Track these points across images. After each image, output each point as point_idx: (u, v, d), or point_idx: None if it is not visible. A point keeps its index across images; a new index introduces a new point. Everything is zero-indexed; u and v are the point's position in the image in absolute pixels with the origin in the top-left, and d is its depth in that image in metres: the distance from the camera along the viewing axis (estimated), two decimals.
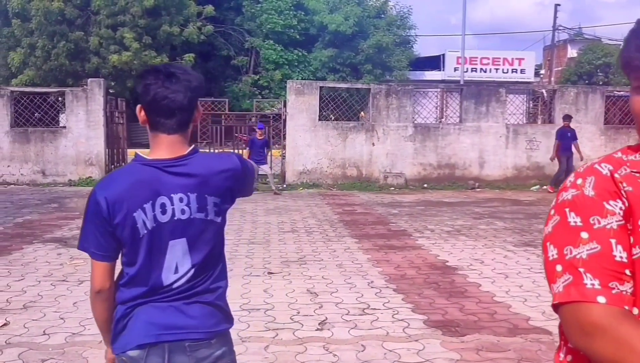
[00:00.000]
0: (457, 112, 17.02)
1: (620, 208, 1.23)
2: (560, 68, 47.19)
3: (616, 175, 1.27)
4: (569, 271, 1.22)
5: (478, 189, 15.94)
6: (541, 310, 5.62)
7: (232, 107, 25.36)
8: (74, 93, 16.15)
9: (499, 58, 37.88)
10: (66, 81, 24.54)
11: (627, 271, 1.21)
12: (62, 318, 5.31)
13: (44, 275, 6.78)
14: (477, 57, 37.46)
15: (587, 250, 1.21)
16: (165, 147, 2.08)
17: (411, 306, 5.79)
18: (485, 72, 37.31)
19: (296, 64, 30.27)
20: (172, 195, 2.05)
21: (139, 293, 2.08)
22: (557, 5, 40.98)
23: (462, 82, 26.75)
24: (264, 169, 14.52)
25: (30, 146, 15.93)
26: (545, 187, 15.93)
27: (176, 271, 2.08)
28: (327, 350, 4.66)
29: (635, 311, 1.21)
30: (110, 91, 16.97)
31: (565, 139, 15.04)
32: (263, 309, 5.55)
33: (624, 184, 1.26)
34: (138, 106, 2.09)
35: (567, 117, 15.38)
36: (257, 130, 14.68)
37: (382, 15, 32.38)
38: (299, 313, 5.52)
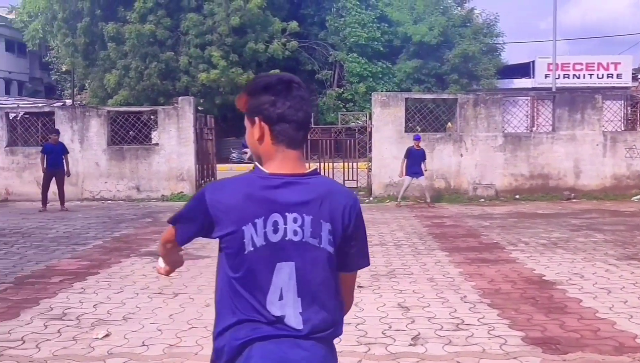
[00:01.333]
0: (549, 121, 16.44)
1: None
2: None
3: None
4: None
5: (574, 200, 15.31)
6: None
7: (316, 121, 25.62)
8: (165, 111, 16.75)
9: (593, 63, 36.30)
10: (158, 99, 25.59)
11: None
12: (159, 330, 5.44)
13: (141, 288, 6.97)
14: (569, 63, 36.06)
15: None
16: (287, 162, 1.99)
17: (508, 322, 5.56)
18: (578, 78, 35.87)
19: (380, 76, 30.26)
20: (286, 214, 1.94)
21: (248, 325, 1.95)
22: None
23: (554, 89, 25.87)
24: (420, 181, 14.34)
25: (125, 163, 16.60)
26: None
27: (281, 297, 1.95)
28: None
29: None
30: (199, 108, 17.50)
31: None
32: (354, 323, 5.49)
33: None
34: (256, 119, 2.00)
35: None
36: (414, 141, 14.44)
37: (468, 24, 31.93)
38: (390, 327, 5.43)
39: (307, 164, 2.03)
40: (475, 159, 15.82)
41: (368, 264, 2.11)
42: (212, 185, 2.07)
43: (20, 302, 6.39)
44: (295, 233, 1.94)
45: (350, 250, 2.02)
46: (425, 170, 14.48)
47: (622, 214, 12.92)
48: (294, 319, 1.94)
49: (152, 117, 17.82)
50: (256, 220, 1.93)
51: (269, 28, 27.09)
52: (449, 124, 17.10)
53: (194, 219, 2.04)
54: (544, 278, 7.27)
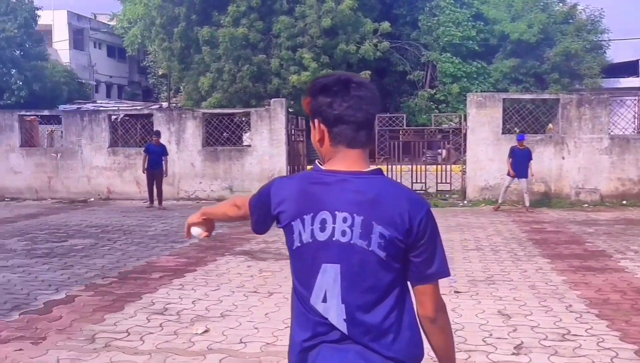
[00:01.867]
0: None
1: None
2: None
3: None
4: None
5: None
6: None
7: (408, 123, 25.32)
8: (258, 113, 17.02)
9: None
10: (249, 102, 26.10)
11: None
12: (256, 328, 5.48)
13: (236, 286, 7.07)
14: None
15: None
16: (345, 160, 1.94)
17: (619, 334, 5.25)
18: None
19: (475, 76, 29.54)
20: (336, 212, 1.88)
21: (311, 326, 1.95)
22: None
23: None
24: (521, 183, 13.92)
25: (219, 163, 16.99)
26: None
27: (324, 300, 1.90)
28: None
29: None
30: (290, 110, 17.66)
31: None
32: (453, 329, 5.31)
33: None
34: (316, 121, 1.97)
35: None
36: (518, 141, 13.99)
37: (570, 21, 30.58)
38: (491, 335, 5.21)
39: (369, 164, 1.96)
40: (578, 162, 15.09)
41: (436, 277, 1.93)
42: (278, 179, 2.09)
43: (124, 296, 6.66)
44: (343, 233, 1.87)
45: (415, 259, 1.90)
46: (532, 175, 13.89)
47: None
48: (337, 324, 1.90)
49: (243, 119, 18.16)
50: (304, 216, 1.92)
51: (360, 29, 27.02)
52: (550, 125, 16.42)
53: (261, 208, 2.09)
54: None
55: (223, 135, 17.46)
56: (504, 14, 29.14)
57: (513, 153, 13.80)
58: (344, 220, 1.87)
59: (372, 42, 27.08)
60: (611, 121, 15.43)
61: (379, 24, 27.51)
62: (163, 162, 15.08)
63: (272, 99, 17.83)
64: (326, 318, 1.90)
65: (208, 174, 16.99)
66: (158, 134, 15.58)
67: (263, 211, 2.08)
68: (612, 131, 15.38)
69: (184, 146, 17.03)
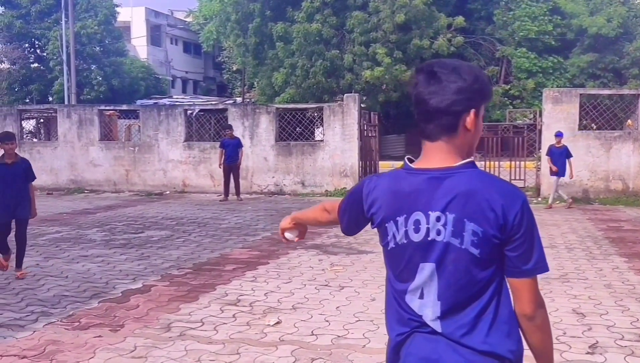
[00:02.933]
0: None
1: None
2: None
3: None
4: None
5: None
6: None
7: (482, 118, 24.90)
8: (331, 108, 17.15)
9: None
10: (322, 97, 26.24)
11: None
12: (327, 321, 5.59)
13: (308, 279, 7.20)
14: None
15: None
16: (429, 155, 1.91)
17: None
18: None
19: (551, 71, 28.70)
20: (429, 212, 1.86)
21: (402, 319, 1.94)
22: None
23: None
24: (551, 179, 13.71)
25: (291, 158, 17.23)
26: None
27: (421, 296, 1.90)
28: None
29: None
30: (362, 105, 17.70)
31: None
32: None
33: None
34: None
35: None
36: (556, 138, 13.78)
37: None
38: (565, 333, 5.17)
39: (461, 157, 1.90)
40: None
41: (534, 272, 1.87)
42: (368, 179, 2.07)
43: (199, 287, 6.89)
44: (438, 232, 1.86)
45: (510, 253, 1.85)
46: (571, 177, 13.50)
47: None
48: (431, 321, 1.89)
49: (315, 114, 18.33)
50: (398, 218, 1.91)
51: (434, 24, 26.70)
52: (629, 121, 15.85)
53: (352, 209, 2.10)
54: None
55: (296, 130, 17.68)
56: (582, 7, 28.18)
57: (550, 151, 13.51)
58: (437, 219, 1.86)
59: (446, 37, 26.72)
60: None
61: (453, 19, 27.11)
62: (239, 154, 15.44)
63: (345, 95, 17.93)
64: (420, 316, 1.91)
65: (281, 168, 17.26)
66: (230, 128, 15.97)
67: (355, 213, 2.08)
68: None
69: (257, 140, 17.36)
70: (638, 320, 5.55)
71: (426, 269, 1.88)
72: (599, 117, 15.30)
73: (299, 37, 26.55)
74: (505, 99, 29.20)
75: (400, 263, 1.94)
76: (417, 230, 1.88)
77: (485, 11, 30.55)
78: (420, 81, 1.89)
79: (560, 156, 13.42)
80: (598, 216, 12.50)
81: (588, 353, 4.72)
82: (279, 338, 5.14)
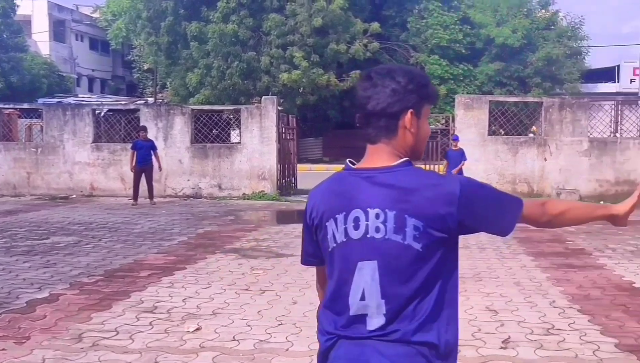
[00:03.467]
0: (635, 126, 15.82)
1: None
2: None
3: None
4: None
5: None
6: None
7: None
8: (248, 110, 17.02)
9: None
10: (238, 99, 26.05)
11: None
12: (249, 326, 5.53)
13: (228, 284, 7.07)
14: None
15: None
16: (370, 157, 1.95)
17: (599, 328, 5.45)
18: None
19: (461, 78, 29.81)
20: (368, 209, 1.86)
21: (335, 322, 1.93)
22: None
23: None
24: None
25: (208, 161, 16.92)
26: None
27: (362, 298, 1.87)
28: None
29: None
30: (280, 108, 17.70)
31: None
32: None
33: None
34: None
35: None
36: (452, 141, 14.26)
37: (552, 27, 31.09)
38: (480, 330, 5.36)
39: (398, 157, 1.92)
40: (559, 163, 15.38)
41: (515, 217, 1.95)
42: (311, 192, 2.06)
43: (111, 295, 6.61)
44: (377, 229, 1.85)
45: (482, 223, 1.92)
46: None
47: None
48: (376, 321, 1.87)
49: (231, 116, 18.14)
50: (337, 216, 1.91)
51: (350, 29, 27.10)
52: (534, 127, 16.69)
53: (306, 228, 2.05)
54: (634, 285, 7.10)
55: (212, 132, 17.43)
56: (489, 18, 29.46)
57: (447, 154, 14.11)
58: (377, 216, 1.86)
59: (362, 43, 27.20)
60: (590, 124, 15.76)
61: (368, 25, 27.64)
62: (153, 157, 15.07)
63: (264, 97, 17.84)
64: (362, 315, 1.89)
65: (196, 171, 16.94)
66: (144, 129, 15.54)
67: (311, 234, 2.03)
68: (591, 134, 15.71)
69: (171, 142, 16.97)
70: (545, 315, 5.83)
71: (366, 267, 1.87)
72: (507, 123, 16.01)
73: (215, 37, 26.23)
74: None
75: (341, 263, 1.92)
76: (356, 227, 1.88)
77: (400, 18, 31.35)
78: (358, 87, 1.95)
79: (457, 159, 13.94)
80: None
81: (501, 348, 4.92)
82: (200, 345, 5.03)
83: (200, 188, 16.89)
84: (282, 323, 5.58)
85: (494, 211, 1.93)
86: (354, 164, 1.97)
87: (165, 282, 7.19)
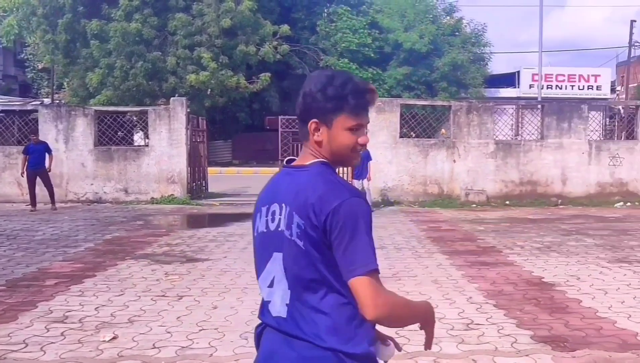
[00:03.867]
0: (536, 129, 16.64)
1: None
2: (635, 84, 45.81)
3: None
4: None
5: (561, 206, 15.48)
6: None
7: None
8: (157, 112, 16.52)
9: (575, 75, 37.41)
10: (143, 100, 25.27)
11: None
12: (168, 332, 5.32)
13: (142, 291, 6.79)
14: (552, 74, 36.96)
15: None
16: (300, 156, 2.06)
17: (515, 322, 5.66)
18: (560, 88, 36.78)
19: (371, 82, 30.31)
20: (282, 204, 1.96)
21: (260, 308, 2.07)
22: (632, 21, 40.04)
23: (539, 99, 26.19)
24: (362, 183, 14.11)
25: (113, 164, 16.26)
26: (629, 204, 15.61)
27: (271, 284, 1.97)
28: None
29: None
30: (188, 110, 17.29)
31: None
32: None
33: None
34: None
35: None
36: None
37: (457, 33, 32.30)
38: (403, 328, 5.38)
39: (315, 157, 1.98)
40: (467, 165, 15.89)
41: (358, 271, 1.82)
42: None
43: (17, 305, 6.22)
44: (283, 223, 1.95)
45: (336, 254, 1.85)
46: (369, 179, 13.98)
47: (607, 220, 13.14)
48: (280, 308, 1.95)
49: (134, 118, 17.55)
50: (262, 207, 2.04)
51: (260, 31, 26.90)
52: (443, 130, 17.17)
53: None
54: (543, 280, 7.41)
55: (117, 134, 16.79)
56: (397, 23, 30.18)
57: None
58: (281, 211, 1.96)
59: (272, 45, 27.06)
60: (494, 127, 16.43)
61: (278, 27, 27.54)
62: (47, 159, 14.38)
63: (172, 98, 17.30)
64: (269, 302, 1.99)
65: (101, 175, 16.24)
66: (35, 132, 15.14)
67: None
68: (496, 137, 16.35)
69: (73, 145, 16.19)
70: (464, 311, 5.96)
71: (276, 259, 1.97)
72: (417, 126, 16.39)
73: (117, 36, 25.27)
74: None
75: (259, 252, 2.05)
76: (273, 220, 1.99)
77: (309, 21, 31.55)
78: (304, 87, 2.04)
79: (363, 160, 14.01)
80: (419, 218, 13.33)
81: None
82: (118, 354, 4.78)
83: (105, 192, 16.22)
84: (203, 329, 5.39)
85: (346, 247, 1.84)
86: (292, 161, 2.08)
87: (74, 291, 6.80)
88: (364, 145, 2.01)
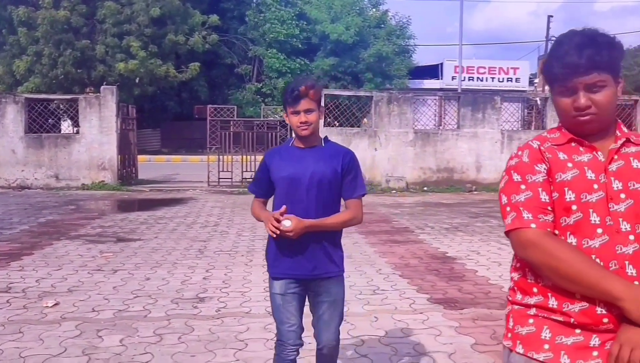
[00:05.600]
0: (455, 119, 17.66)
1: (544, 169, 1.89)
2: None
3: (542, 148, 1.93)
4: (514, 210, 1.88)
5: (475, 192, 16.59)
6: None
7: (238, 115, 26.19)
8: (87, 100, 16.76)
9: (495, 67, 38.80)
10: (72, 88, 25.21)
11: (549, 208, 1.86)
12: (106, 299, 5.90)
13: (79, 266, 7.34)
14: (474, 67, 38.34)
15: (524, 196, 1.88)
16: None
17: (416, 288, 6.47)
18: (481, 80, 38.14)
19: (299, 72, 31.00)
20: None
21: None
22: (549, 16, 42.14)
23: (459, 90, 27.49)
24: None
25: (44, 151, 16.48)
26: None
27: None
28: (345, 321, 5.28)
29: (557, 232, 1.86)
30: (117, 98, 17.53)
31: None
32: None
33: (547, 154, 1.91)
34: None
35: None
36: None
37: (382, 25, 33.20)
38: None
39: None
40: (388, 153, 16.82)
41: None
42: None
43: None
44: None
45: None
46: None
47: None
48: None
49: (61, 106, 17.70)
50: None
51: (189, 20, 27.18)
52: (365, 120, 18.02)
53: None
54: (446, 254, 8.30)
55: (48, 122, 16.93)
56: (324, 15, 30.89)
57: None
58: None
59: (200, 34, 27.36)
60: (415, 117, 17.41)
61: (207, 17, 27.86)
62: None
63: (103, 87, 17.54)
64: None
65: (31, 161, 16.41)
66: None
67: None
68: (416, 126, 17.35)
69: (3, 131, 16.31)
70: (372, 280, 6.78)
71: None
72: (341, 115, 17.20)
73: (45, 23, 25.04)
74: (258, 96, 30.82)
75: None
76: None
77: (238, 11, 31.92)
78: None
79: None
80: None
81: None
82: (61, 317, 5.34)
83: (35, 178, 16.41)
84: (137, 296, 6.01)
85: None
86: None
87: (14, 266, 7.28)
88: (303, 122, 3.10)
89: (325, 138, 3.32)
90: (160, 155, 29.09)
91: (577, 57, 1.84)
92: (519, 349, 1.92)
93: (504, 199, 1.93)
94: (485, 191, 16.69)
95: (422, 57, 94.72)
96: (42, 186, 16.37)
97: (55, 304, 5.70)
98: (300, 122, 3.11)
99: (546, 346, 1.85)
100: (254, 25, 31.26)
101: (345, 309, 5.58)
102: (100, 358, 4.35)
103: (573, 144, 1.92)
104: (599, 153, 1.89)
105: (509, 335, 1.99)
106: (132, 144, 18.09)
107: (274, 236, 3.05)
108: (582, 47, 1.84)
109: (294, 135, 3.27)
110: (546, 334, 1.86)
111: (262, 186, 3.33)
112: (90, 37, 26.37)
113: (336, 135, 16.64)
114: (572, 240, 1.84)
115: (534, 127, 18.80)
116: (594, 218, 1.83)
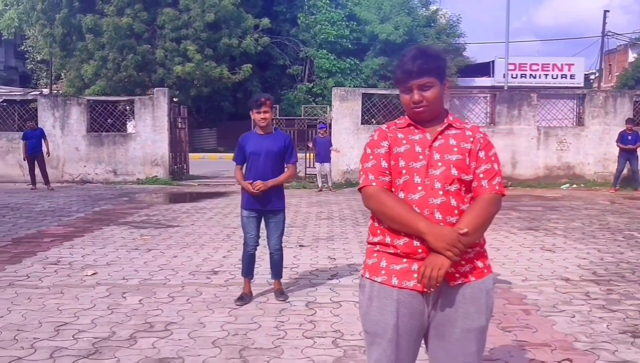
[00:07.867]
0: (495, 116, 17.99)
1: (387, 144, 2.66)
2: (617, 73, 47.13)
3: (388, 130, 2.70)
4: (364, 173, 2.66)
5: (510, 188, 16.95)
6: (519, 275, 6.97)
7: (288, 113, 27.32)
8: (141, 101, 18.11)
9: (548, 64, 38.40)
10: (134, 90, 26.82)
11: (387, 172, 2.63)
12: (135, 271, 6.93)
13: (120, 245, 8.44)
14: (526, 64, 38.12)
15: (371, 164, 2.65)
16: None
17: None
18: (534, 78, 37.88)
19: (348, 72, 31.79)
20: None
21: None
22: (606, 11, 41.37)
23: (506, 88, 27.67)
24: (325, 167, 15.85)
25: (103, 148, 17.97)
26: (574, 186, 16.97)
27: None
28: (332, 290, 6.13)
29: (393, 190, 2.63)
30: (175, 99, 18.85)
31: (626, 142, 15.85)
32: (289, 267, 7.03)
33: (389, 134, 2.68)
34: None
35: (630, 121, 16.20)
36: (319, 130, 16.04)
37: (432, 24, 33.57)
38: (317, 269, 7.01)
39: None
40: None
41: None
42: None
43: (20, 253, 7.83)
44: None
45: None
46: (337, 150, 15.89)
47: (545, 198, 14.65)
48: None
49: (127, 107, 19.13)
50: None
51: (242, 24, 28.45)
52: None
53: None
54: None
55: (107, 121, 18.40)
56: (374, 15, 31.55)
57: (316, 141, 15.92)
58: None
59: (253, 37, 28.57)
60: (464, 115, 17.77)
61: (259, 20, 29.05)
62: (44, 144, 15.94)
63: (155, 88, 18.90)
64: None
65: (92, 158, 17.92)
66: (32, 120, 16.70)
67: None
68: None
69: (68, 131, 17.85)
70: None
71: None
72: (378, 113, 17.91)
73: (110, 30, 26.86)
74: (309, 96, 31.80)
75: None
76: None
77: (290, 14, 32.96)
78: None
79: (324, 145, 15.71)
80: None
81: (329, 279, 6.58)
82: (96, 282, 6.39)
83: (96, 173, 17.88)
84: (162, 269, 7.00)
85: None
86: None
87: (66, 245, 8.44)
88: (261, 119, 5.37)
89: (275, 128, 5.09)
90: (214, 153, 30.47)
91: (411, 65, 2.62)
92: (367, 275, 2.70)
93: (360, 166, 2.73)
94: (521, 187, 17.01)
95: (477, 55, 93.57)
96: (102, 180, 17.82)
97: (94, 273, 6.76)
98: (260, 119, 5.40)
99: (383, 272, 2.63)
100: (305, 27, 32.24)
101: (337, 282, 6.47)
102: (121, 312, 5.32)
103: (411, 127, 2.69)
104: (428, 134, 2.65)
105: (363, 265, 2.77)
106: (183, 142, 19.34)
107: (255, 195, 5.44)
108: (415, 58, 2.62)
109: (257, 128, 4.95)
110: (383, 263, 2.63)
111: (241, 157, 5.58)
112: (150, 42, 28.01)
113: (372, 132, 17.35)
114: (401, 194, 2.60)
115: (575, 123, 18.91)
116: (417, 179, 2.59)
